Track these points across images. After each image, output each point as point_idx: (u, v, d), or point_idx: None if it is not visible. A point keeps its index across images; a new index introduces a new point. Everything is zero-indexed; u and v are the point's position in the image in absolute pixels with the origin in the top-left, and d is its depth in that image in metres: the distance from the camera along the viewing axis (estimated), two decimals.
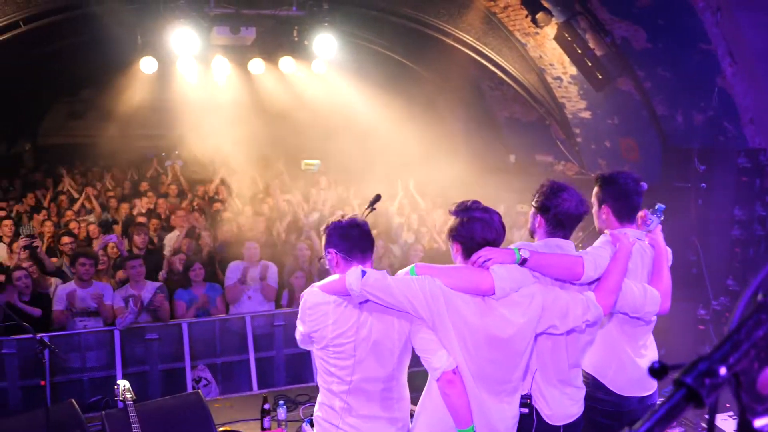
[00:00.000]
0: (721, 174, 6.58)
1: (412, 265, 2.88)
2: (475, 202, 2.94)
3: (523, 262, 2.84)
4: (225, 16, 7.84)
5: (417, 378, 3.29)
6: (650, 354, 3.53)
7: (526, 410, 2.95)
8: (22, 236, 6.93)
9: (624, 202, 3.41)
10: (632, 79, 7.45)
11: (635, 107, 7.72)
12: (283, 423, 4.81)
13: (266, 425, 4.84)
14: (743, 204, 6.50)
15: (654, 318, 3.45)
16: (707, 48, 6.36)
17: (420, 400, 3.02)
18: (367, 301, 2.76)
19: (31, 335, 3.79)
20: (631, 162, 8.33)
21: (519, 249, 2.87)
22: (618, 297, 3.06)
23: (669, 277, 3.35)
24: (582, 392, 3.18)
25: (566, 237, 3.13)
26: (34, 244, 6.80)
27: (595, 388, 3.38)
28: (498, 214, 2.93)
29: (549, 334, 2.92)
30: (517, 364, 2.87)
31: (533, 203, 3.19)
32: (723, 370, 0.74)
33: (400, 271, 2.90)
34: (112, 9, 7.68)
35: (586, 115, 8.66)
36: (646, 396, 3.46)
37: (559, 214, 3.07)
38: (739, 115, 6.54)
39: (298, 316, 2.91)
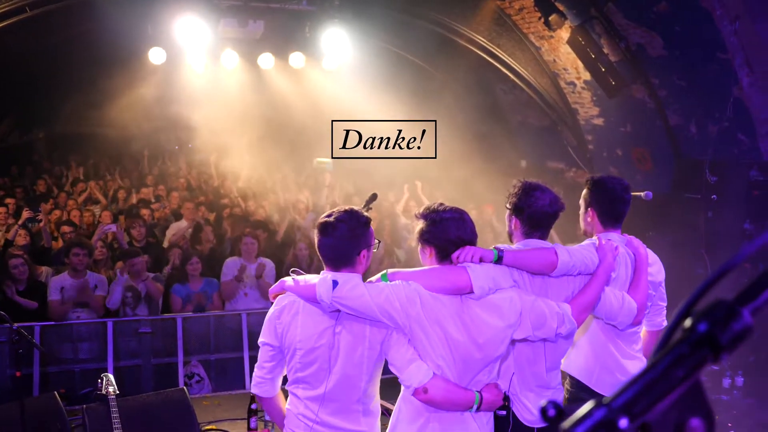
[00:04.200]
0: (733, 187, 6.40)
1: (384, 271, 2.78)
2: (442, 204, 2.84)
3: (499, 260, 2.78)
4: (233, 7, 7.76)
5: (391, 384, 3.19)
6: (640, 358, 3.46)
7: (503, 412, 2.86)
8: (26, 209, 6.89)
9: (609, 206, 3.39)
10: (646, 87, 7.28)
11: (649, 116, 7.54)
12: (270, 424, 4.70)
13: (253, 425, 4.74)
14: (754, 218, 6.31)
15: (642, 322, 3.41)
16: (724, 57, 6.18)
17: (396, 405, 2.93)
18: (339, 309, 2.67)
19: (25, 323, 3.76)
20: (643, 172, 8.14)
21: (496, 248, 2.82)
22: (590, 312, 3.02)
23: (647, 287, 3.27)
24: (560, 394, 3.12)
25: (543, 237, 3.07)
26: (38, 217, 6.78)
27: (579, 389, 3.35)
28: (467, 213, 2.83)
29: (526, 341, 2.85)
30: (492, 368, 2.79)
31: (507, 205, 3.13)
32: (624, 422, 0.60)
33: (371, 278, 2.79)
34: None
35: (599, 122, 8.49)
36: None
37: (533, 213, 3.02)
38: (755, 127, 6.35)
39: (261, 339, 2.82)
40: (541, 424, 2.98)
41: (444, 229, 2.74)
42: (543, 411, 0.65)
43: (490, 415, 2.84)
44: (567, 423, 0.60)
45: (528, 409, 2.97)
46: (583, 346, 3.40)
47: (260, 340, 2.84)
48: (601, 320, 3.26)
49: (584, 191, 3.50)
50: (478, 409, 2.69)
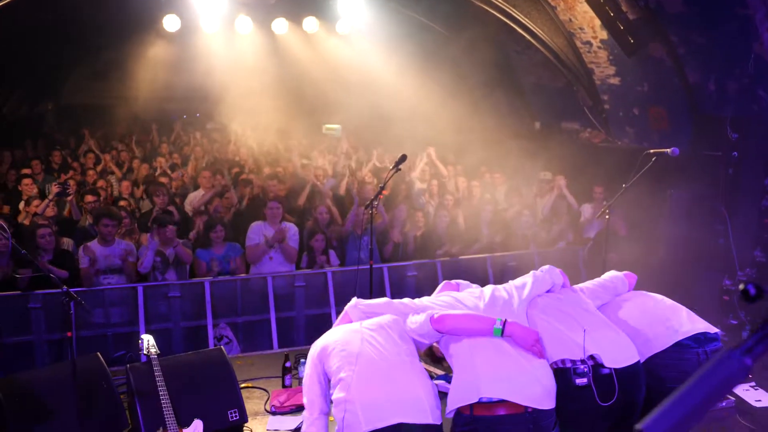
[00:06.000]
0: (754, 143, 6.42)
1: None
2: None
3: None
4: None
5: None
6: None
7: (584, 381, 2.99)
8: (55, 183, 6.90)
9: None
10: (665, 45, 7.23)
11: (666, 74, 7.51)
12: None
13: (287, 383, 4.87)
14: None
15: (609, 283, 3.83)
16: (744, 12, 6.13)
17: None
18: None
19: (56, 290, 3.83)
20: (660, 131, 8.15)
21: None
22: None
23: None
24: (629, 340, 3.25)
25: None
26: (69, 190, 6.81)
27: (653, 367, 3.38)
28: None
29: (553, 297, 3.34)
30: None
31: None
32: None
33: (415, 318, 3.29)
34: None
35: (615, 81, 8.46)
36: (701, 334, 3.49)
37: None
38: None
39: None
40: (618, 365, 3.07)
41: None
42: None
43: (546, 366, 2.99)
44: None
45: (603, 349, 3.08)
46: (615, 336, 3.37)
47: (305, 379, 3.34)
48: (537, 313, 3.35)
49: None
50: (502, 333, 2.94)
